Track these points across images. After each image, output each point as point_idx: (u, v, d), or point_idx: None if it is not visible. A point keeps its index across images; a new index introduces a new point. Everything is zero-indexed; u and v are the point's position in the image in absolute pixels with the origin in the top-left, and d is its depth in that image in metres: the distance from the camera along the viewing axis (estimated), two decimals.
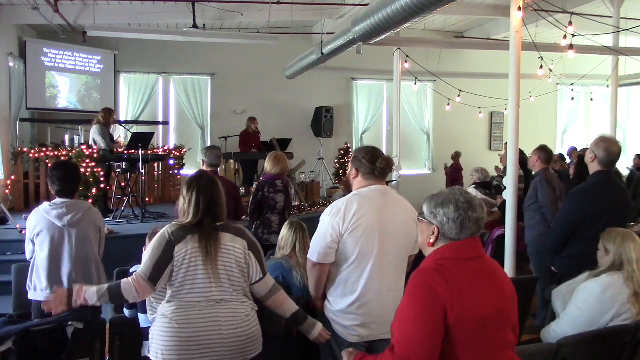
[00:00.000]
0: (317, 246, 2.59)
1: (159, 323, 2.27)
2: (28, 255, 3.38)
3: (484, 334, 1.73)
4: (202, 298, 2.26)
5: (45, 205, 3.32)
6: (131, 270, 3.36)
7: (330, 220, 2.57)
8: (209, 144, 10.36)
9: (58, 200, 3.31)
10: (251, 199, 5.02)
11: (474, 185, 6.54)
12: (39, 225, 3.28)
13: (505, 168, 6.87)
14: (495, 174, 8.33)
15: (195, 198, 2.34)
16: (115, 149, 7.53)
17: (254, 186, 5.13)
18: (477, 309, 1.73)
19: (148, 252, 2.29)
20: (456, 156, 11.10)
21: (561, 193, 4.52)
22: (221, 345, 2.25)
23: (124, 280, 2.29)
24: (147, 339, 2.77)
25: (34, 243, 3.32)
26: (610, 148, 3.38)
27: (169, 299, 2.28)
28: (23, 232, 6.04)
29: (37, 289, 3.28)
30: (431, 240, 1.85)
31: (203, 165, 4.75)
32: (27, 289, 3.33)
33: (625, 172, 9.65)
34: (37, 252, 3.31)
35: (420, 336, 1.70)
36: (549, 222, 4.39)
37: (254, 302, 2.45)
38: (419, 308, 1.74)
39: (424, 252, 1.91)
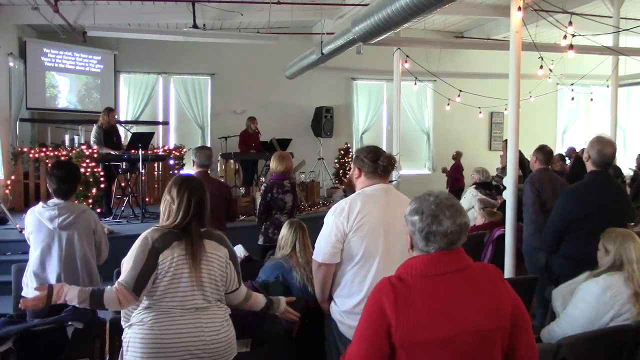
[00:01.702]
0: (322, 246, 2.59)
1: (137, 330, 2.20)
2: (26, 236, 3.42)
3: (445, 356, 1.62)
4: (183, 305, 2.21)
5: (39, 206, 3.31)
6: None
7: (334, 219, 2.57)
8: (208, 144, 10.37)
9: (51, 201, 3.30)
10: (260, 200, 5.02)
11: (474, 186, 6.55)
12: (31, 225, 3.30)
13: (503, 168, 6.88)
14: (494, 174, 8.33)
15: (186, 199, 2.27)
16: (109, 152, 7.40)
17: (262, 188, 5.11)
18: (431, 331, 1.61)
19: (130, 260, 2.20)
20: (457, 156, 11.08)
21: (555, 194, 4.51)
22: (203, 352, 2.22)
23: (107, 289, 2.20)
24: None
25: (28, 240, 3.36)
26: (603, 150, 3.40)
27: (148, 305, 2.21)
28: (23, 232, 6.04)
29: (29, 287, 3.29)
30: (408, 246, 1.79)
31: (193, 165, 4.73)
32: (22, 285, 3.34)
33: (627, 172, 9.62)
34: (30, 252, 3.33)
35: (361, 350, 1.65)
36: (532, 222, 4.44)
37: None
38: (365, 321, 1.68)
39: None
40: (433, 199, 1.72)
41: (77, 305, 2.20)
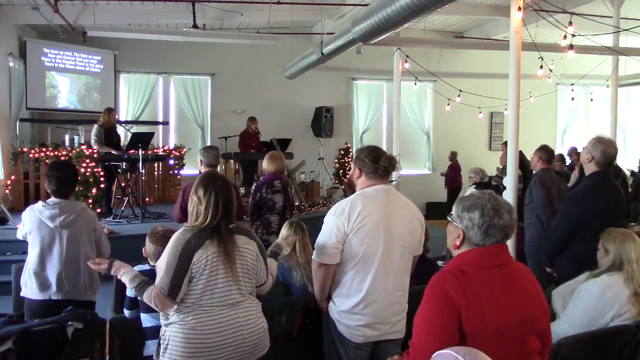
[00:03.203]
0: (322, 247, 2.58)
1: (177, 329, 2.22)
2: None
3: (503, 343, 1.70)
4: (222, 302, 2.25)
5: (39, 204, 3.30)
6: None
7: (334, 220, 2.56)
8: (209, 144, 10.36)
9: (51, 200, 3.29)
10: (250, 200, 5.02)
11: (474, 186, 6.56)
12: (31, 223, 3.27)
13: (503, 168, 6.88)
14: (495, 174, 8.32)
15: (214, 200, 2.28)
16: (110, 152, 7.42)
17: (253, 187, 5.11)
18: (494, 319, 1.71)
19: (164, 264, 2.21)
20: (453, 156, 11.07)
21: (560, 194, 4.51)
22: (243, 344, 2.27)
23: (148, 290, 2.23)
24: (150, 339, 2.77)
25: (25, 239, 3.33)
26: (607, 150, 3.38)
27: (187, 304, 2.22)
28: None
29: (28, 286, 3.28)
30: (457, 243, 1.84)
31: (201, 165, 4.75)
32: (21, 285, 3.33)
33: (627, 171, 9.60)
34: (30, 251, 3.30)
35: (434, 342, 1.70)
36: (542, 222, 4.43)
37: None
38: (434, 313, 1.74)
39: (452, 253, 1.91)
40: (488, 196, 1.83)
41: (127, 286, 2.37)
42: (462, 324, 1.69)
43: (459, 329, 1.69)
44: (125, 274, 2.33)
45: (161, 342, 2.28)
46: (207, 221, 2.27)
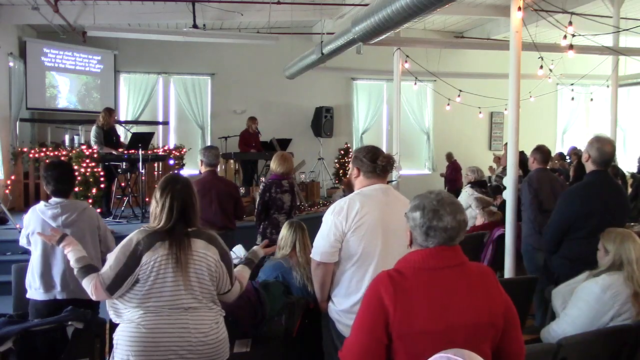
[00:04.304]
0: (321, 246, 2.59)
1: (125, 328, 2.22)
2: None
3: (438, 347, 1.60)
4: (171, 305, 2.21)
5: (41, 204, 3.30)
6: None
7: (333, 219, 2.57)
8: (209, 144, 10.36)
9: (53, 200, 3.29)
10: (258, 199, 5.03)
11: (469, 185, 6.56)
12: (33, 224, 3.27)
13: (503, 168, 6.89)
14: (491, 175, 8.34)
15: (168, 203, 2.25)
16: (110, 152, 7.42)
17: (261, 187, 5.12)
18: (423, 322, 1.66)
19: (113, 257, 2.21)
20: (449, 157, 11.03)
21: (553, 194, 4.51)
22: (190, 352, 2.21)
23: (91, 275, 2.23)
24: None
25: (29, 240, 3.33)
26: (603, 148, 3.40)
27: (136, 304, 2.21)
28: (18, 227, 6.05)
29: (32, 287, 3.27)
30: (407, 242, 1.84)
31: (201, 165, 4.76)
32: (26, 287, 3.33)
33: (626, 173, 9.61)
34: (32, 251, 3.30)
35: (361, 341, 1.69)
36: (531, 222, 4.44)
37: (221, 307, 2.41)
38: (363, 312, 1.73)
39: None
40: (434, 195, 1.78)
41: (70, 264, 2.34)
42: (389, 325, 1.66)
43: (387, 331, 1.67)
44: (73, 252, 2.33)
45: (114, 341, 2.26)
46: (161, 224, 2.25)
